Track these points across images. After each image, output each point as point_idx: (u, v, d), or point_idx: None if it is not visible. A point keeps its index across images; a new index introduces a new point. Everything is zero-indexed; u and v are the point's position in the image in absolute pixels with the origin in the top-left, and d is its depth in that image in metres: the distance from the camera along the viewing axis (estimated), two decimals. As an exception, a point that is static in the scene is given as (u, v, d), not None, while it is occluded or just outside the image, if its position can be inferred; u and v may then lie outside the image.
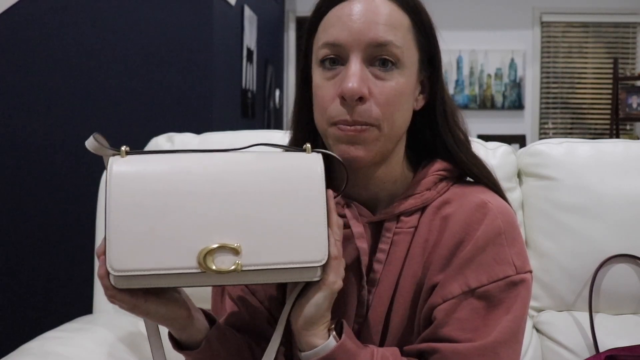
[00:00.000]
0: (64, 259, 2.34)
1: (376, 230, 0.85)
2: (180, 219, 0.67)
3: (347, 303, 0.84)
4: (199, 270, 0.67)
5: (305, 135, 0.88)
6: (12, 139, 2.36)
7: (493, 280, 0.78)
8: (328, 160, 0.76)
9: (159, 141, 1.43)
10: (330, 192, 0.73)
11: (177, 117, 2.42)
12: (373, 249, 0.84)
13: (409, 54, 0.81)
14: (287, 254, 0.68)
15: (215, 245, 0.67)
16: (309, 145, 0.74)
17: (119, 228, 0.66)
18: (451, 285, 0.78)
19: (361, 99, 0.77)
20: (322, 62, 0.80)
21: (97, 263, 1.38)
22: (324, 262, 0.70)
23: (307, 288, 0.74)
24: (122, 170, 0.69)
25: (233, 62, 3.08)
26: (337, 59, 0.80)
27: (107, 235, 0.67)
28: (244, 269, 0.67)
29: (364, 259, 0.83)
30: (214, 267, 0.66)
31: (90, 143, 0.71)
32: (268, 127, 4.28)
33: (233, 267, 0.67)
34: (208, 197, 0.68)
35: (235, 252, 0.67)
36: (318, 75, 0.82)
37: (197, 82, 2.45)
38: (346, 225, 0.84)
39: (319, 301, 0.73)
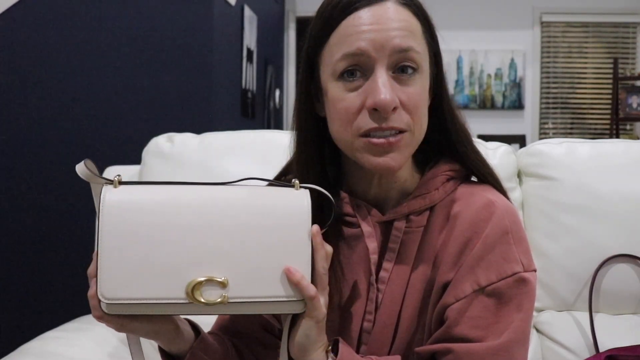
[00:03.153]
0: (64, 259, 2.34)
1: (386, 230, 0.86)
2: (171, 251, 0.69)
3: (356, 302, 0.85)
4: (187, 301, 0.69)
5: (313, 149, 0.86)
6: (12, 139, 2.36)
7: (502, 277, 0.79)
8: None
9: (159, 141, 1.43)
10: (317, 227, 0.74)
11: (177, 117, 2.42)
12: (383, 249, 0.85)
13: (425, 58, 0.81)
14: (272, 288, 0.71)
15: (203, 279, 0.69)
16: (296, 181, 0.76)
17: (111, 258, 0.69)
18: (462, 284, 0.79)
19: (394, 109, 0.77)
20: (342, 74, 0.78)
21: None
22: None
23: (295, 317, 0.76)
24: (115, 200, 0.70)
25: (233, 62, 3.08)
26: (357, 69, 0.78)
27: (98, 263, 0.69)
28: (230, 301, 0.70)
29: (374, 258, 0.84)
30: (202, 300, 0.69)
31: (80, 169, 0.73)
32: (268, 127, 4.28)
33: (219, 300, 0.69)
34: (198, 230, 0.70)
35: (222, 285, 0.70)
36: (337, 88, 0.79)
37: (197, 82, 2.45)
38: (355, 225, 0.85)
39: (307, 331, 0.75)
